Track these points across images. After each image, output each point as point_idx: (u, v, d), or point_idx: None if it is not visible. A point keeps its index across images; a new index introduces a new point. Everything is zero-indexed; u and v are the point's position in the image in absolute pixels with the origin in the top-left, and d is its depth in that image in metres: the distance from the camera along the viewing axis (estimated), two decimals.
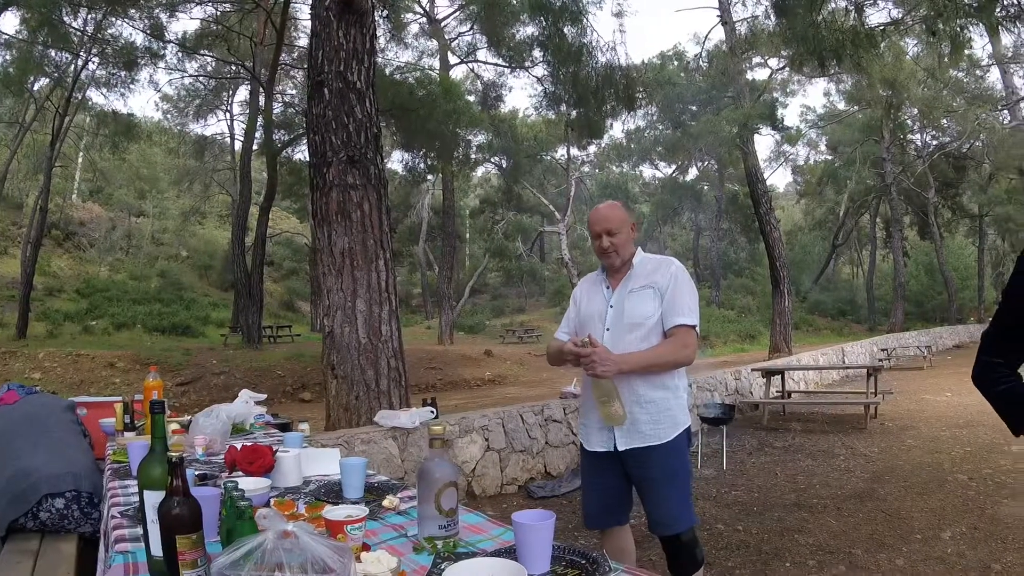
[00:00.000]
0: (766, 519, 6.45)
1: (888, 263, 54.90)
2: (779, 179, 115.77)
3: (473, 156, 34.58)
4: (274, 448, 3.00)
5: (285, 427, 4.77)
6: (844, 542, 5.70)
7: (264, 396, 5.01)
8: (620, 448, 3.46)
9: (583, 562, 1.94)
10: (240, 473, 2.85)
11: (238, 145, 38.31)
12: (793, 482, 7.86)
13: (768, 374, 13.31)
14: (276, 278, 50.12)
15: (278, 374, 21.93)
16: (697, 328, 3.48)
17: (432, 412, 6.84)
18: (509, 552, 1.97)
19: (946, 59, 25.77)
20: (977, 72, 38.44)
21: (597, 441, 3.55)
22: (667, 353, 3.41)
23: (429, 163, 31.38)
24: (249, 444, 2.98)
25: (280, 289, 49.19)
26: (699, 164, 54.91)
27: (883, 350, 23.65)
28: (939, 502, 6.73)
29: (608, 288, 3.63)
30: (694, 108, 32.24)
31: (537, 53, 26.54)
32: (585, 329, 3.56)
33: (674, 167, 55.76)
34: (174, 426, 3.95)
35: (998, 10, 15.99)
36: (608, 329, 3.52)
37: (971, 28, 17.99)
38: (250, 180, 29.63)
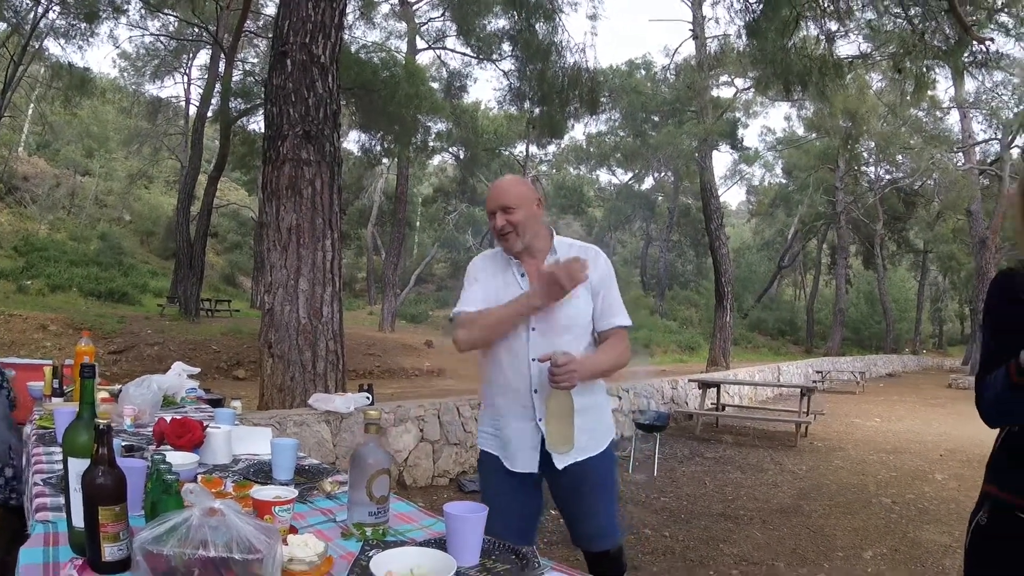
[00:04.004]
0: (693, 527, 6.51)
1: (830, 289, 55.80)
2: (733, 197, 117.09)
3: (431, 144, 34.47)
4: (204, 423, 2.93)
5: (217, 403, 4.68)
6: (768, 554, 5.78)
7: (198, 370, 4.92)
8: (559, 467, 2.95)
9: (513, 557, 1.94)
10: (168, 447, 2.79)
11: (192, 110, 37.80)
12: (721, 492, 7.95)
13: (704, 386, 13.42)
14: (219, 250, 49.47)
15: (213, 349, 21.63)
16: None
17: (368, 398, 6.78)
18: (439, 543, 1.95)
19: (908, 97, 26.22)
20: (937, 113, 39.15)
21: (523, 461, 2.98)
22: (616, 357, 2.98)
23: (386, 146, 31.11)
24: (179, 417, 2.91)
25: (222, 262, 48.52)
26: (656, 174, 55.24)
27: (818, 372, 24.01)
28: (862, 522, 6.87)
29: (523, 276, 3.01)
30: (656, 118, 32.43)
31: (506, 47, 26.54)
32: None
33: (631, 175, 55.99)
34: (103, 394, 3.87)
35: (966, 55, 16.33)
36: (534, 329, 2.91)
37: (937, 70, 18.39)
38: (201, 147, 29.10)
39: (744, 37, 17.85)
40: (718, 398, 14.00)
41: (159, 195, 51.35)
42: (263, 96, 10.77)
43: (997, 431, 2.14)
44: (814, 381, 21.24)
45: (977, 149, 36.96)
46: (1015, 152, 34.20)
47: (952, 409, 17.91)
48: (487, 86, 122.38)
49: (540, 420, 2.92)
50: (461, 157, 38.32)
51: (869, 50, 19.64)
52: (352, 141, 36.07)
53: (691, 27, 25.37)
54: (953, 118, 39.15)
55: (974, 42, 15.24)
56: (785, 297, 68.27)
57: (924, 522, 6.99)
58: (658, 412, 10.03)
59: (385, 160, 37.22)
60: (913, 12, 15.14)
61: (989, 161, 36.46)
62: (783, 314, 59.00)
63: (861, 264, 57.16)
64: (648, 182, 59.12)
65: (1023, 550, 2.00)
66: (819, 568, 5.53)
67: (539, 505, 3.15)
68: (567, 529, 3.20)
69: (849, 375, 26.00)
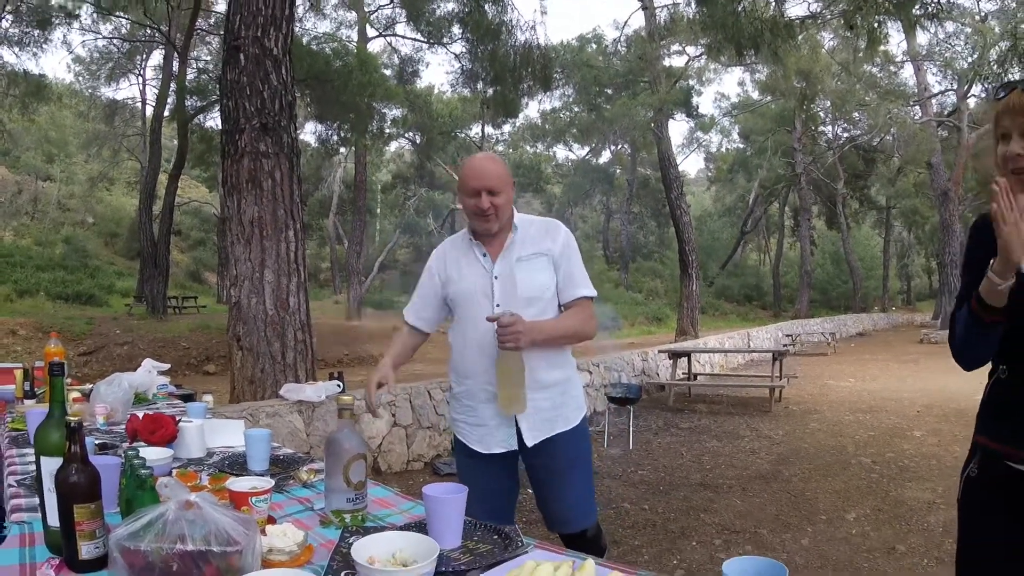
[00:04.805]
0: (672, 498, 6.53)
1: (795, 251, 56.06)
2: (691, 165, 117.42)
3: (387, 130, 34.31)
4: (177, 418, 2.91)
5: (188, 398, 4.65)
6: (750, 522, 5.80)
7: (167, 366, 4.89)
8: (529, 444, 2.95)
9: (495, 537, 1.93)
10: (142, 443, 2.76)
11: (149, 111, 37.48)
12: (699, 462, 7.98)
13: (675, 356, 13.45)
14: (183, 248, 49.08)
15: (182, 346, 21.50)
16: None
17: (339, 386, 6.78)
18: (419, 526, 1.94)
19: (861, 54, 26.34)
20: (891, 68, 39.11)
21: (498, 441, 2.99)
22: (578, 325, 3.00)
23: (343, 136, 31.01)
24: (151, 413, 2.89)
25: (187, 259, 48.18)
26: (612, 147, 55.22)
27: (788, 335, 24.19)
28: (843, 484, 6.90)
29: (485, 256, 3.03)
30: (610, 92, 32.42)
31: (456, 29, 26.40)
32: (466, 310, 3.03)
33: (588, 149, 55.93)
34: (75, 394, 3.84)
35: (916, 8, 16.38)
36: (498, 305, 2.94)
37: (889, 24, 18.39)
38: (160, 147, 28.89)
39: (693, 4, 17.89)
40: (689, 367, 14.07)
41: (121, 196, 50.94)
42: (218, 92, 10.69)
43: (984, 381, 2.16)
44: (785, 345, 21.36)
45: (934, 101, 37.02)
46: (972, 102, 34.25)
47: (925, 365, 18.06)
48: (439, 70, 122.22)
49: None
50: (418, 142, 38.20)
51: (819, 9, 19.70)
52: (309, 132, 35.85)
53: None
54: (907, 72, 39.17)
55: None
56: (750, 262, 68.61)
57: (905, 480, 7.04)
58: (630, 385, 10.06)
59: (342, 149, 37.13)
60: None
61: (947, 113, 36.55)
62: (749, 279, 59.34)
63: (824, 224, 57.38)
64: (605, 156, 59.14)
65: (1013, 499, 2.02)
66: (802, 532, 5.55)
67: (516, 484, 3.14)
68: (541, 512, 3.18)
69: (820, 337, 26.24)
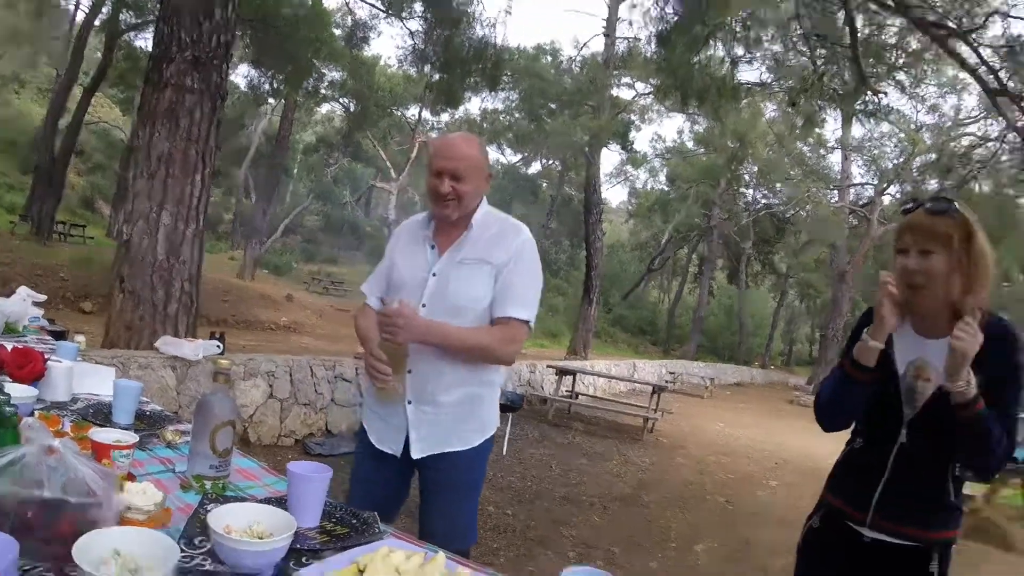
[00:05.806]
0: (536, 508, 6.66)
1: (693, 296, 57.25)
2: (615, 195, 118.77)
3: (323, 91, 33.75)
4: (46, 356, 2.76)
5: (60, 335, 4.43)
6: (605, 539, 6.03)
7: (44, 297, 4.67)
8: (415, 456, 2.75)
9: (354, 521, 1.92)
10: (6, 378, 2.59)
11: (80, 16, 36.05)
12: (566, 477, 8.18)
13: (562, 373, 13.65)
14: (82, 171, 46.98)
15: (61, 277, 20.58)
16: (531, 325, 2.83)
17: (218, 347, 6.64)
18: (279, 502, 1.90)
19: (797, 131, 27.25)
20: (821, 151, 40.53)
21: (388, 440, 2.80)
22: (489, 343, 2.71)
23: (275, 86, 30.30)
24: (20, 347, 2.72)
25: (83, 183, 46.14)
26: (544, 161, 55.62)
27: (671, 373, 24.65)
28: (697, 517, 7.21)
29: (433, 248, 2.79)
30: (553, 107, 32.61)
31: (418, 6, 26.12)
32: (397, 297, 2.72)
33: (520, 157, 56.19)
34: None
35: (858, 103, 17.15)
36: (424, 305, 2.70)
37: (829, 111, 19.26)
38: (81, 57, 27.52)
39: (653, 44, 18.13)
40: (573, 386, 14.23)
41: (28, 103, 48.81)
42: (156, 13, 10.34)
43: (840, 447, 2.44)
44: (666, 380, 21.71)
45: (852, 190, 38.56)
46: (886, 199, 35.93)
47: (790, 423, 18.73)
48: (391, 42, 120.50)
49: (409, 402, 2.74)
50: (351, 110, 37.71)
51: (769, 80, 20.33)
52: (240, 75, 34.96)
53: (604, 25, 25.61)
54: (835, 157, 40.65)
55: (868, 92, 15.90)
56: (650, 298, 69.68)
57: (755, 524, 7.37)
58: (513, 393, 10.16)
59: (271, 100, 36.31)
60: (819, 53, 15.62)
61: (861, 203, 37.94)
62: (646, 314, 60.21)
63: (726, 278, 58.77)
64: (535, 167, 59.51)
65: (847, 553, 2.29)
66: (653, 556, 5.79)
67: (404, 489, 2.96)
68: (418, 522, 2.94)
69: (699, 379, 26.74)
